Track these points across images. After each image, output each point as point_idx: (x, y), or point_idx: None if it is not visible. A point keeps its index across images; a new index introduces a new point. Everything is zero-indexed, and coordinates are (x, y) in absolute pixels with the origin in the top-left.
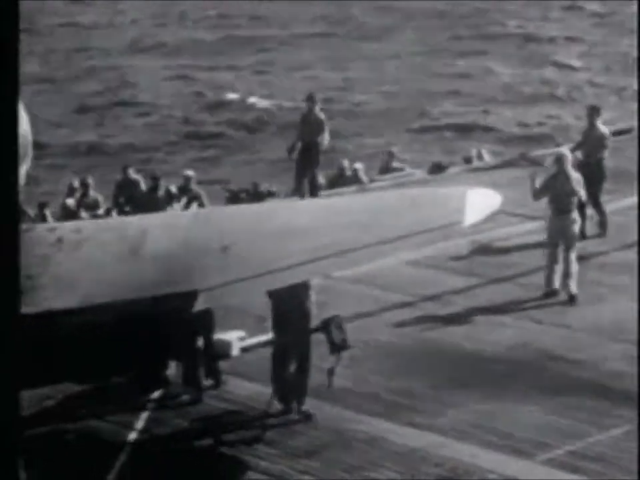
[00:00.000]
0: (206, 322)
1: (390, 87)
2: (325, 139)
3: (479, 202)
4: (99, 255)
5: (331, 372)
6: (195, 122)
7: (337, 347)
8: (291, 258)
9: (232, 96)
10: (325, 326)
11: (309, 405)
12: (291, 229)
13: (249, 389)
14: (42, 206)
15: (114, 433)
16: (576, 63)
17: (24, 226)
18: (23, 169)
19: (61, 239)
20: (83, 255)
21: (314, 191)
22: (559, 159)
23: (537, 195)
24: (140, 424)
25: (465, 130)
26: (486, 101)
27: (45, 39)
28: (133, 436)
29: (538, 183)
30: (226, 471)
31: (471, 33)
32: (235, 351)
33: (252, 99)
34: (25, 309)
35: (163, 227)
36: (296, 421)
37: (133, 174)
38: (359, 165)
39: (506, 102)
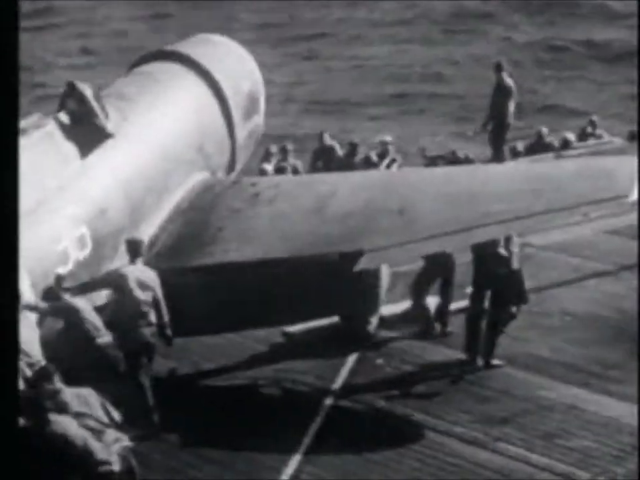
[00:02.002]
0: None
1: None
2: (512, 107)
3: None
4: (287, 211)
5: (513, 316)
6: None
7: (519, 299)
8: (461, 222)
9: None
10: (511, 277)
11: (505, 372)
12: (466, 194)
13: (441, 354)
14: None
15: (313, 386)
16: None
17: (233, 178)
18: (259, 119)
19: (257, 194)
20: (273, 210)
21: (500, 157)
22: None
23: None
24: (340, 379)
25: None
26: None
27: None
28: (333, 388)
29: None
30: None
31: None
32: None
33: None
34: (206, 259)
35: (352, 187)
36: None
37: (328, 140)
38: (570, 135)
39: None
